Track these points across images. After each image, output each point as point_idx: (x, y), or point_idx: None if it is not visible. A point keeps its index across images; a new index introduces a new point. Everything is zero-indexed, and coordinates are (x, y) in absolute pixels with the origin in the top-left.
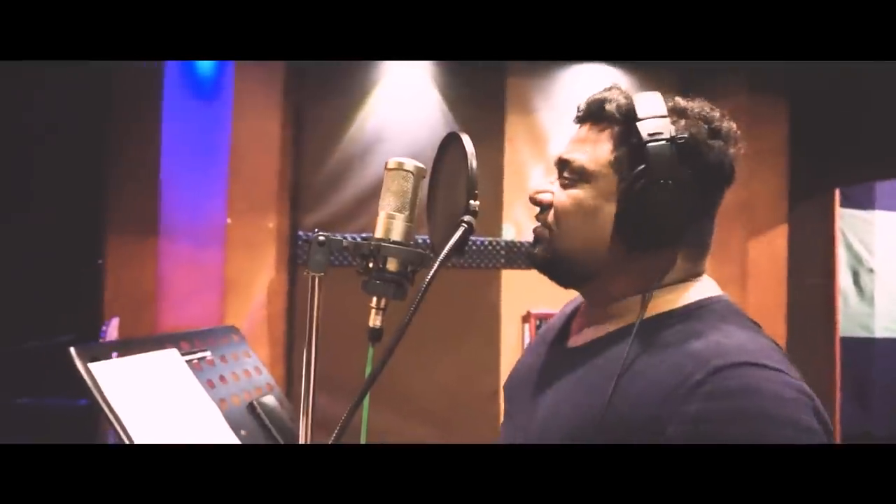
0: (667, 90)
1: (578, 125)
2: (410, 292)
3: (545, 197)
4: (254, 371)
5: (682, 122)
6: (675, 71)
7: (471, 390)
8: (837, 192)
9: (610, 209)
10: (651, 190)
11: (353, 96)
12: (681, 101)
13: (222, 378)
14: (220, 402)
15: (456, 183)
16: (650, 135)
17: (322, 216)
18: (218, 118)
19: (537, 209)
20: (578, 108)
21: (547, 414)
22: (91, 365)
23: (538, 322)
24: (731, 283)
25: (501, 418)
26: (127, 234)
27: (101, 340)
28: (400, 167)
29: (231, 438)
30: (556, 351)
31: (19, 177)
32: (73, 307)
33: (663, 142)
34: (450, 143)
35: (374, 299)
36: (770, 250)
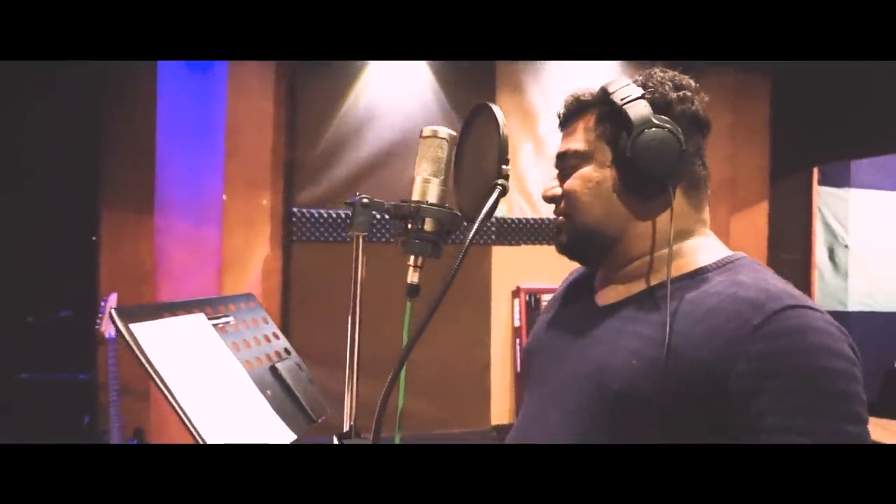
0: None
1: (562, 129)
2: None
3: (555, 191)
4: (272, 336)
5: (649, 84)
6: None
7: (464, 363)
8: (816, 171)
9: (612, 174)
10: (639, 140)
11: (345, 74)
12: (642, 75)
13: (245, 342)
14: (245, 364)
15: (483, 151)
16: (622, 99)
17: (316, 193)
18: (212, 95)
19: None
20: (558, 115)
21: (600, 363)
22: (132, 326)
23: (528, 296)
24: None
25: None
26: (123, 211)
27: (101, 314)
28: (434, 135)
29: (258, 398)
30: (585, 309)
31: (13, 153)
32: (69, 283)
33: (636, 101)
34: (478, 114)
35: (412, 257)
36: (752, 226)
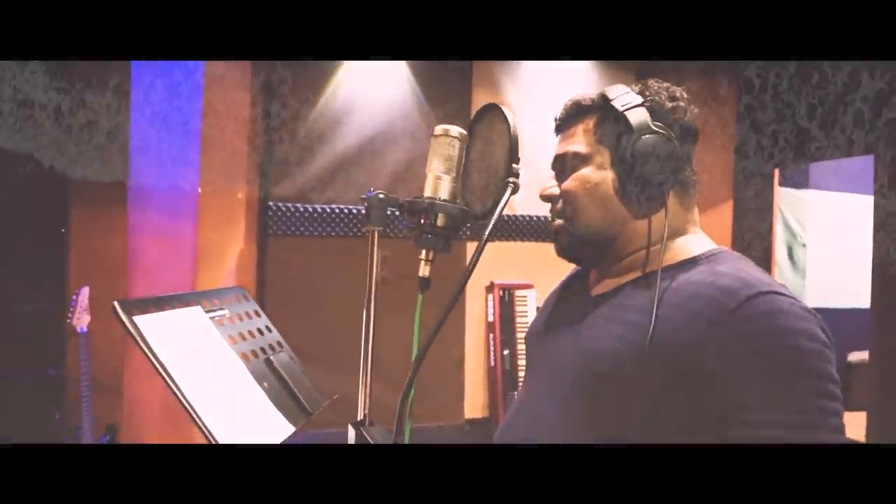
0: (627, 70)
1: (559, 133)
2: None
3: (553, 190)
4: (265, 329)
5: (647, 93)
6: None
7: (438, 358)
8: (777, 172)
9: (611, 176)
10: (639, 144)
11: (323, 69)
12: (639, 84)
13: (241, 335)
14: (242, 357)
15: (492, 150)
16: (623, 105)
17: (292, 187)
18: (188, 87)
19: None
20: (555, 119)
21: (586, 347)
22: (136, 318)
23: (501, 292)
24: None
25: (495, 388)
26: (94, 204)
27: (72, 308)
28: (446, 133)
29: (257, 391)
30: (579, 300)
31: None
32: (37, 277)
33: (637, 108)
34: (486, 114)
35: (424, 252)
36: (718, 225)
